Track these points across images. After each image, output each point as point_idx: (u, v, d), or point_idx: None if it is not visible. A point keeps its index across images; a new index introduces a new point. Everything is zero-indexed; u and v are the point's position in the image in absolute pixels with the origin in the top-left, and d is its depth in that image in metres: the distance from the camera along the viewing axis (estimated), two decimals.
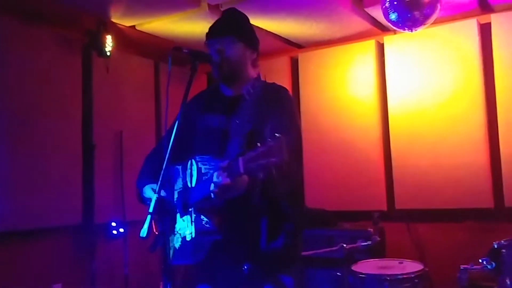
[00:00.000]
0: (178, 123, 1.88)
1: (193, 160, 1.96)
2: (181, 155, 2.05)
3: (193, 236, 1.89)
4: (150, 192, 2.08)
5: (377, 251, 3.57)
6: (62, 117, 3.92)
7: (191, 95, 2.04)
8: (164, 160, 1.80)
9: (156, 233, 1.90)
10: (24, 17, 3.75)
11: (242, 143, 1.96)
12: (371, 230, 3.75)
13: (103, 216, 4.12)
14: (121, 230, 4.20)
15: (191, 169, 1.97)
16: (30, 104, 3.73)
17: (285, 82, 4.79)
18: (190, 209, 1.94)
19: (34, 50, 3.80)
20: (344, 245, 3.23)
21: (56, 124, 3.87)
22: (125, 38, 4.30)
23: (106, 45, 4.01)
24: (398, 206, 4.29)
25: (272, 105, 2.03)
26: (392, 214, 4.30)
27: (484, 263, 2.66)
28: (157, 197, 1.76)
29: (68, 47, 4.01)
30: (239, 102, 2.08)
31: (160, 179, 1.78)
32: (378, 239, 3.36)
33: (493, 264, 2.64)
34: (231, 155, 1.92)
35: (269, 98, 2.06)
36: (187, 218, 1.96)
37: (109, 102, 4.28)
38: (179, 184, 2.07)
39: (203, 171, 1.90)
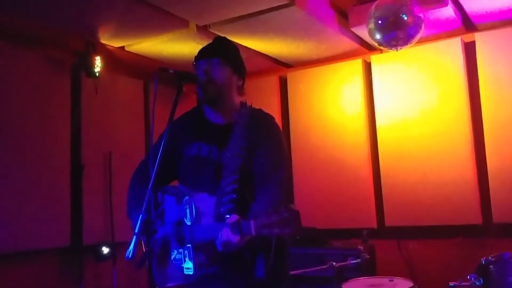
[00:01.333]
0: (163, 146, 1.89)
1: (189, 198, 2.01)
2: (165, 178, 2.11)
3: (192, 272, 1.96)
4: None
5: (367, 269, 3.57)
6: (51, 137, 3.90)
7: (177, 115, 2.06)
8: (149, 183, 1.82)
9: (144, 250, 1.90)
10: (13, 38, 3.75)
11: (234, 178, 2.00)
12: (361, 247, 3.75)
13: (92, 238, 4.07)
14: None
15: (188, 206, 2.01)
16: (18, 124, 3.71)
17: (274, 101, 4.83)
18: (188, 245, 1.99)
19: (23, 70, 3.79)
20: (334, 263, 3.22)
21: (44, 144, 3.85)
22: (114, 59, 4.31)
23: (95, 65, 4.02)
24: (388, 223, 4.30)
25: (261, 137, 2.08)
26: (382, 231, 4.30)
27: (472, 279, 2.67)
28: (143, 218, 1.76)
29: (57, 68, 4.02)
30: (228, 132, 2.11)
31: (146, 201, 1.78)
32: (368, 256, 3.36)
33: (481, 280, 2.65)
34: (225, 191, 1.98)
35: (257, 128, 2.10)
36: (183, 252, 2.01)
37: (98, 122, 4.27)
38: (171, 215, 2.10)
39: (200, 211, 1.95)
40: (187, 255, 1.99)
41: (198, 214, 1.96)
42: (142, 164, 2.34)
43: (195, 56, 2.21)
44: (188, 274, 1.99)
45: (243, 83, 2.24)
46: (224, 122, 2.17)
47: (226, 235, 1.79)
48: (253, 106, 2.24)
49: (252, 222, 1.72)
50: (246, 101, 2.24)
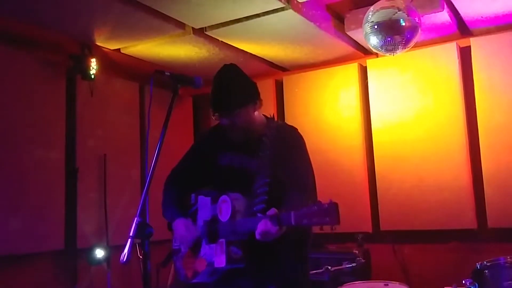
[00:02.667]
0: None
1: (227, 197, 2.15)
2: (194, 185, 2.37)
3: (225, 264, 2.09)
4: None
5: (362, 273, 3.56)
6: (45, 140, 3.89)
7: (174, 119, 2.07)
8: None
9: (141, 257, 1.90)
10: (8, 41, 3.74)
11: (265, 182, 2.15)
12: (356, 252, 3.75)
13: (86, 241, 4.05)
14: None
15: (224, 204, 2.16)
16: (12, 127, 3.69)
17: (270, 104, 4.82)
18: (220, 240, 2.13)
19: (18, 73, 3.78)
20: (329, 268, 3.22)
21: (39, 147, 3.83)
22: (110, 61, 4.30)
23: (91, 68, 4.01)
24: (383, 227, 4.30)
25: (288, 148, 2.26)
26: (377, 235, 4.30)
27: (468, 284, 2.67)
28: (138, 221, 1.76)
29: (52, 70, 4.01)
30: (258, 143, 2.27)
31: (141, 204, 1.78)
32: (363, 261, 3.36)
33: (476, 285, 2.65)
34: (257, 192, 2.14)
35: (284, 140, 2.28)
36: (215, 247, 2.15)
37: (93, 125, 4.26)
38: (205, 214, 2.26)
39: (236, 209, 2.10)
40: (219, 249, 2.13)
41: (234, 212, 2.10)
42: (177, 168, 2.50)
43: (213, 106, 2.22)
44: (218, 268, 2.12)
45: (259, 99, 2.30)
46: (253, 136, 2.30)
47: (265, 225, 1.92)
48: (276, 119, 2.44)
49: (292, 212, 1.83)
50: (273, 116, 2.43)
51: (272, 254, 2.16)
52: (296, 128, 2.42)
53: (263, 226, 1.93)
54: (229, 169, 2.32)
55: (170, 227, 2.35)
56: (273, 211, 1.93)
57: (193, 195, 2.38)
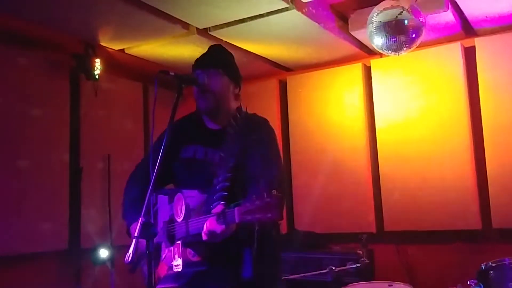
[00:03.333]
0: (163, 150, 1.91)
1: (181, 195, 2.02)
2: (162, 181, 2.12)
3: (181, 269, 1.97)
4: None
5: (366, 274, 3.55)
6: (49, 140, 3.90)
7: (177, 117, 2.06)
8: (146, 185, 1.84)
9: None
10: (12, 41, 3.75)
11: (226, 177, 2.01)
12: (360, 252, 3.73)
13: (90, 241, 4.06)
14: None
15: (179, 203, 2.03)
16: (17, 127, 3.70)
17: (273, 104, 4.82)
18: (177, 242, 2.00)
19: (22, 73, 3.79)
20: (333, 268, 3.21)
21: (43, 147, 3.84)
22: (114, 62, 4.31)
23: (95, 68, 4.02)
24: (387, 228, 4.28)
25: (254, 139, 2.10)
26: (381, 236, 4.29)
27: (473, 285, 2.66)
28: (143, 221, 1.76)
29: (56, 71, 4.01)
30: (223, 135, 2.14)
31: (145, 204, 1.78)
32: (367, 261, 3.35)
33: (481, 286, 2.64)
34: (217, 189, 2.00)
35: (251, 131, 2.12)
36: (173, 249, 2.02)
37: (97, 125, 4.26)
38: (164, 215, 2.13)
39: (190, 207, 1.96)
40: (176, 252, 2.00)
41: (188, 211, 1.98)
42: (139, 166, 2.37)
43: (193, 65, 2.24)
44: (179, 274, 2.00)
45: (239, 90, 2.28)
46: (220, 127, 2.21)
47: (211, 224, 1.82)
48: (247, 111, 2.28)
49: (235, 209, 1.74)
50: (241, 106, 2.29)
51: (234, 254, 2.03)
52: (267, 120, 2.28)
53: (208, 225, 1.84)
54: (191, 162, 2.19)
55: (128, 231, 2.21)
56: (219, 208, 1.84)
57: (154, 194, 2.12)
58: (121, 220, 2.32)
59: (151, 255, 1.70)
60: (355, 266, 3.28)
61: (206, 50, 2.24)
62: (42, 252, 3.77)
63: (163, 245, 2.12)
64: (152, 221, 1.75)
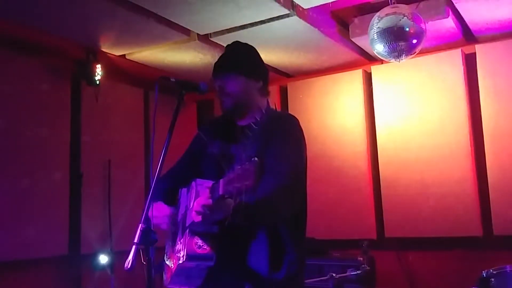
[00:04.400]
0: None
1: (194, 183, 1.98)
2: (191, 178, 2.09)
3: (184, 259, 1.87)
4: None
5: (367, 280, 3.53)
6: (50, 145, 3.90)
7: (178, 124, 2.05)
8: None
9: (144, 263, 1.87)
10: (14, 46, 3.76)
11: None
12: (361, 259, 3.72)
13: (90, 247, 4.05)
14: None
15: (192, 191, 1.98)
16: (17, 131, 3.71)
17: None
18: (186, 231, 1.93)
19: (23, 79, 3.80)
20: (334, 275, 3.20)
21: (44, 152, 3.84)
22: (115, 67, 4.32)
23: (96, 74, 4.02)
24: (387, 234, 4.27)
25: (275, 133, 2.04)
26: (382, 242, 4.28)
27: None
28: (143, 227, 1.74)
29: (57, 76, 4.02)
30: (247, 131, 2.08)
31: (145, 210, 1.77)
32: (368, 268, 3.34)
33: None
34: None
35: (274, 126, 2.07)
36: (183, 240, 1.95)
37: (97, 131, 4.27)
38: (182, 207, 2.09)
39: (200, 194, 1.87)
40: (183, 242, 1.93)
41: (197, 197, 1.91)
42: (171, 168, 2.35)
43: (212, 73, 2.22)
44: (189, 274, 1.92)
45: (265, 83, 2.22)
46: (247, 123, 2.15)
47: (200, 200, 1.79)
48: (275, 108, 2.25)
49: (220, 181, 1.71)
50: (269, 102, 2.24)
51: (244, 248, 1.94)
52: (293, 116, 2.22)
53: (199, 200, 1.79)
54: (215, 158, 2.15)
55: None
56: (210, 182, 1.80)
57: (180, 189, 2.18)
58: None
59: (150, 261, 1.69)
60: (355, 273, 3.27)
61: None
62: (42, 258, 3.76)
63: (178, 237, 2.04)
64: (152, 227, 1.74)
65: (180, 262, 1.90)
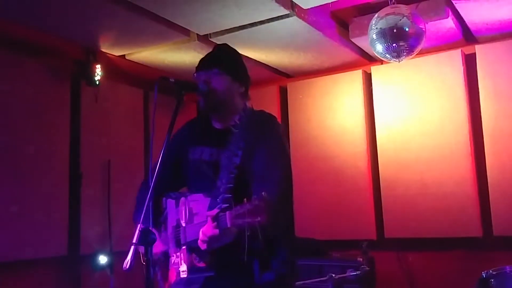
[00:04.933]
0: (167, 153, 1.91)
1: (184, 199, 2.00)
2: (175, 184, 2.15)
3: (187, 274, 1.95)
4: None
5: (366, 281, 3.54)
6: (49, 145, 3.89)
7: (178, 124, 2.06)
8: (149, 192, 1.81)
9: (144, 263, 1.88)
10: (13, 47, 3.75)
11: (230, 178, 1.97)
12: (361, 259, 3.72)
13: (89, 247, 4.04)
14: None
15: (183, 207, 2.01)
16: (17, 132, 3.70)
17: (274, 110, 4.80)
18: (182, 247, 1.99)
19: (23, 79, 3.79)
20: (333, 275, 3.20)
21: (43, 152, 3.84)
22: (115, 68, 4.32)
23: (95, 74, 4.02)
24: (387, 235, 4.27)
25: (259, 137, 2.03)
26: (382, 243, 4.27)
27: None
28: (141, 228, 1.75)
29: (57, 76, 4.02)
30: (229, 134, 2.10)
31: (144, 210, 1.77)
32: (367, 268, 3.33)
33: None
34: (220, 191, 1.95)
35: (256, 129, 2.06)
36: (180, 255, 2.00)
37: (97, 131, 4.26)
38: (172, 219, 2.11)
39: (193, 212, 1.93)
40: (182, 258, 1.99)
41: (191, 215, 1.95)
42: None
43: (196, 67, 2.22)
44: (189, 279, 1.97)
45: (246, 89, 2.23)
46: (226, 127, 2.15)
47: (206, 230, 1.80)
48: (254, 109, 2.23)
49: (227, 213, 1.73)
50: (247, 105, 2.23)
51: (241, 263, 1.91)
52: (274, 116, 2.21)
53: (204, 230, 1.81)
54: (198, 164, 2.14)
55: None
56: (213, 212, 1.80)
57: (164, 199, 2.18)
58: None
59: (149, 262, 1.69)
60: (355, 273, 3.26)
61: None
62: (42, 258, 3.76)
63: (171, 250, 2.10)
64: (152, 228, 1.74)
65: (183, 276, 1.97)
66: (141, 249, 1.79)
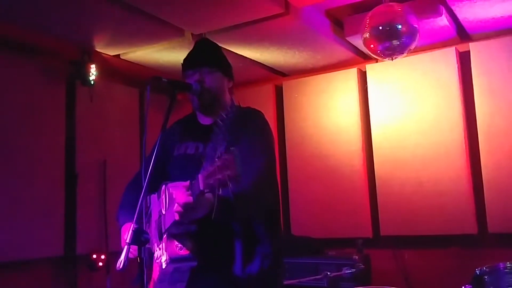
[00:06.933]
0: (156, 153, 1.88)
1: (164, 186, 1.95)
2: (158, 184, 2.06)
3: (168, 263, 1.88)
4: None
5: (362, 279, 3.54)
6: (45, 145, 3.89)
7: (170, 123, 2.06)
8: (142, 190, 1.79)
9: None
10: (8, 47, 3.75)
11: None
12: (356, 257, 3.72)
13: (85, 247, 4.04)
14: None
15: (163, 195, 1.95)
16: (12, 132, 3.70)
17: (269, 109, 4.82)
18: (164, 236, 1.93)
19: (18, 79, 3.79)
20: (329, 273, 3.21)
21: (39, 152, 3.84)
22: (110, 67, 4.31)
23: (90, 74, 4.02)
24: (383, 232, 4.28)
25: (243, 129, 2.03)
26: (377, 241, 4.29)
27: None
28: (135, 228, 1.75)
29: (52, 76, 4.01)
30: (214, 128, 2.07)
31: (138, 209, 1.77)
32: (363, 266, 3.35)
33: None
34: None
35: (241, 122, 2.06)
36: (161, 246, 1.94)
37: (92, 131, 4.26)
38: (155, 213, 2.07)
39: (173, 197, 1.84)
40: (163, 247, 1.92)
41: (171, 200, 1.87)
42: (137, 173, 2.33)
43: (183, 65, 2.21)
44: (173, 277, 1.91)
45: (233, 83, 2.25)
46: (212, 121, 2.13)
47: (179, 198, 1.74)
48: (240, 105, 2.23)
49: (199, 175, 1.68)
50: (234, 101, 2.24)
51: (224, 247, 1.92)
52: (260, 111, 2.22)
53: (177, 199, 1.75)
54: (182, 158, 2.15)
55: (120, 232, 2.13)
56: (187, 182, 1.78)
57: (148, 197, 2.12)
58: (117, 226, 2.30)
59: (143, 261, 1.69)
60: (351, 271, 3.28)
61: None
62: (38, 258, 3.76)
63: (154, 245, 2.04)
64: (144, 227, 1.74)
65: (164, 267, 1.90)
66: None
